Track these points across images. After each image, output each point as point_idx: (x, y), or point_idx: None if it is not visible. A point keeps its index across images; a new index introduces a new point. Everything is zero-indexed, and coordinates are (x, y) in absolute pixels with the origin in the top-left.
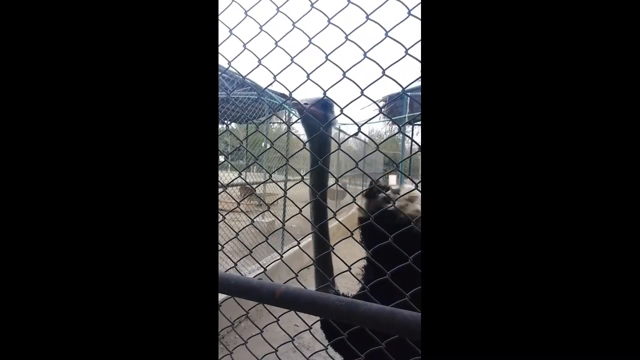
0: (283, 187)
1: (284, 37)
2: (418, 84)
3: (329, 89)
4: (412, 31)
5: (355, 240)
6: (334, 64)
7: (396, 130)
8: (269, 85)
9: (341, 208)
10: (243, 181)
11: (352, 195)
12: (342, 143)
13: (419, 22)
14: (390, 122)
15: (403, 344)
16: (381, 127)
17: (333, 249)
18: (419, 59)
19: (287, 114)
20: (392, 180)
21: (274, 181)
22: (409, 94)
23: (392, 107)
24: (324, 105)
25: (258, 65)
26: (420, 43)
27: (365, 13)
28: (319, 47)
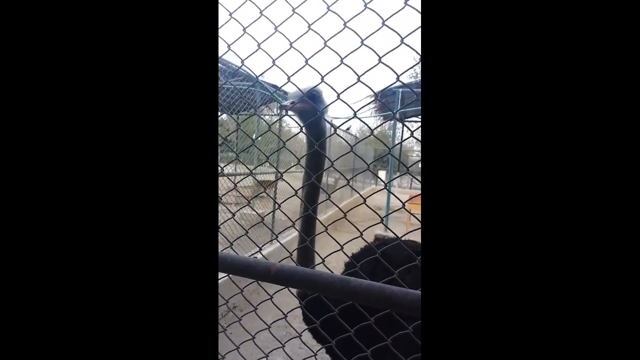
0: (276, 177)
1: (283, 22)
2: (411, 79)
3: (326, 74)
4: (409, 21)
5: (349, 223)
6: (332, 50)
7: (387, 127)
8: (267, 70)
9: (336, 190)
10: (232, 170)
11: (346, 179)
12: (333, 133)
13: (415, 11)
14: (381, 117)
15: (385, 325)
16: (372, 123)
17: (314, 240)
18: (414, 47)
19: (278, 106)
20: (382, 175)
21: (271, 164)
22: (400, 89)
23: (384, 103)
24: (311, 97)
25: (257, 50)
26: (415, 32)
27: (364, 1)
28: (318, 33)
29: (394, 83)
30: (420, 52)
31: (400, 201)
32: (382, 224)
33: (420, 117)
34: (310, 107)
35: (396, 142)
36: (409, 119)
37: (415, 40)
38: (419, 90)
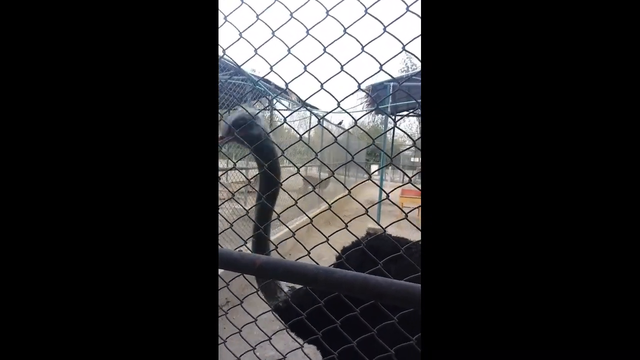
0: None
1: (265, 10)
2: (402, 73)
3: (309, 63)
4: (393, 10)
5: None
6: (315, 38)
7: (379, 121)
8: (249, 59)
9: (320, 183)
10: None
11: (331, 171)
12: (317, 124)
13: (399, 1)
14: (373, 111)
15: (371, 316)
16: (366, 117)
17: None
18: (397, 37)
19: (270, 99)
20: (374, 169)
21: (257, 158)
22: (392, 83)
23: (375, 97)
24: (246, 127)
25: (239, 39)
26: (399, 21)
27: None
28: (300, 22)
29: (377, 73)
30: (403, 42)
31: (385, 193)
32: (368, 215)
33: (410, 110)
34: (245, 134)
35: (389, 136)
36: (400, 113)
37: (399, 30)
38: (408, 84)
